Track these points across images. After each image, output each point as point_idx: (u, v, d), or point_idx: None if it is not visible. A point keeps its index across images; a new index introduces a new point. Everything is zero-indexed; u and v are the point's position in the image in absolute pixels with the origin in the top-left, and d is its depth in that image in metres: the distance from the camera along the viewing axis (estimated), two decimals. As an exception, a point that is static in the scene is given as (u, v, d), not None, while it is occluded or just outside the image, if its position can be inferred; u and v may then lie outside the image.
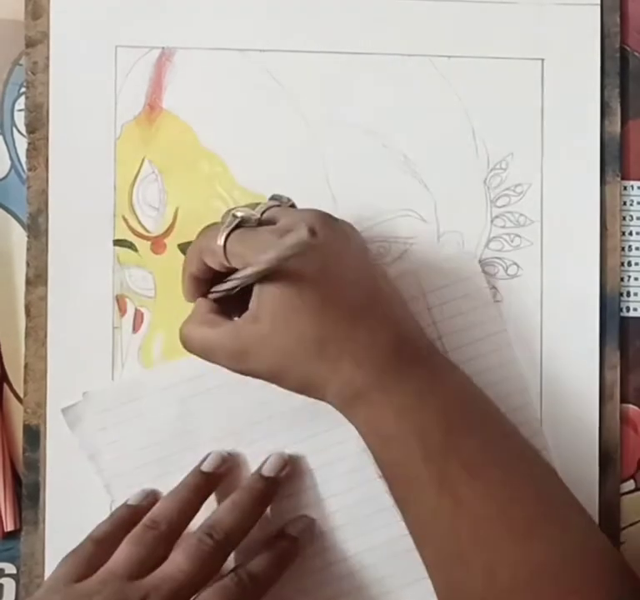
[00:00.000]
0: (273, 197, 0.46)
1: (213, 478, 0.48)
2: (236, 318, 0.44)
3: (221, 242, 0.42)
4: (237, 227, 0.42)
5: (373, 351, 0.42)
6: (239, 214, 0.42)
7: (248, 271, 0.41)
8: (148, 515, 0.45)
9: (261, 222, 0.43)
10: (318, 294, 0.41)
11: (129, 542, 0.44)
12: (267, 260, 0.39)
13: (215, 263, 0.43)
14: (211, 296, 0.45)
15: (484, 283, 0.50)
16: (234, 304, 0.44)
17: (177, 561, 0.43)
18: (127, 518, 0.47)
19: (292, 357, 0.42)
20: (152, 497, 0.48)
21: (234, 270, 0.43)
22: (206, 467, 0.48)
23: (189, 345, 0.45)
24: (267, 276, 0.41)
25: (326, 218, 0.43)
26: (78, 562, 0.44)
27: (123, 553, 0.44)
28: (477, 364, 0.49)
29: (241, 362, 0.43)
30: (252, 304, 0.43)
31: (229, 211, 0.44)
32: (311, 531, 0.48)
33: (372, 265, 0.45)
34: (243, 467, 0.49)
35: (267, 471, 0.48)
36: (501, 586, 0.39)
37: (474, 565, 0.40)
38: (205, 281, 0.45)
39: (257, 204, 0.44)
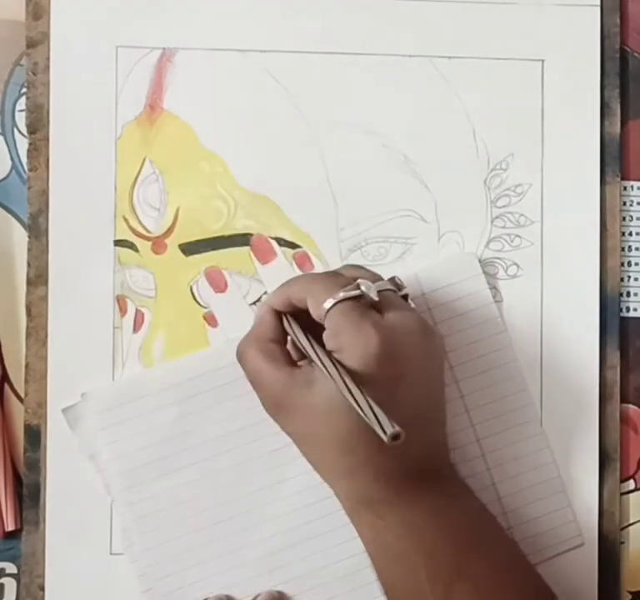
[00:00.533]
0: (393, 280, 0.46)
1: None
2: (295, 371, 0.43)
3: (330, 304, 0.42)
4: (353, 297, 0.42)
5: (396, 470, 0.41)
6: (363, 289, 0.42)
7: (324, 361, 0.41)
8: None
9: (374, 305, 0.43)
10: (379, 395, 0.40)
11: None
12: (338, 370, 0.40)
13: (314, 314, 0.43)
14: (289, 334, 0.44)
15: (484, 284, 0.50)
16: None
17: None
18: None
19: (320, 443, 0.42)
20: None
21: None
22: None
23: (243, 363, 0.44)
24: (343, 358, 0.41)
25: (427, 330, 0.43)
26: None
27: None
28: (477, 365, 0.50)
29: (276, 413, 0.43)
30: (317, 370, 0.42)
31: (355, 266, 0.46)
32: None
33: (441, 380, 0.45)
34: None
35: None
36: None
37: None
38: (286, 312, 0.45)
39: (377, 276, 0.45)
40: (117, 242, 0.50)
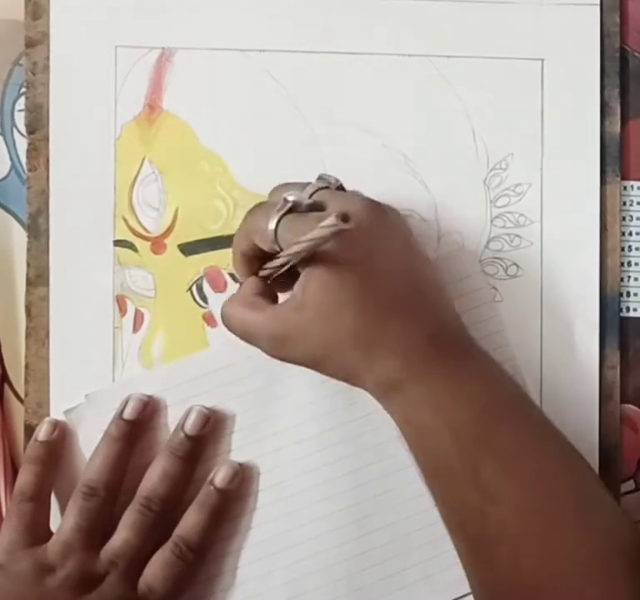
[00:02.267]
0: (320, 178, 0.45)
1: (136, 426, 0.48)
2: (279, 303, 0.44)
3: (272, 226, 0.42)
4: (289, 211, 0.42)
5: (409, 342, 0.42)
6: (291, 199, 0.42)
7: (291, 250, 0.41)
8: (84, 481, 0.47)
9: (311, 207, 0.43)
10: (361, 284, 0.41)
11: (75, 514, 0.46)
12: (305, 241, 0.39)
13: (265, 245, 0.43)
14: (261, 273, 0.45)
15: (484, 283, 0.50)
16: (283, 286, 0.45)
17: (126, 536, 0.46)
18: (46, 458, 0.48)
19: (333, 347, 0.42)
20: (60, 429, 0.49)
21: None
22: (127, 415, 0.48)
23: (230, 325, 0.45)
24: (311, 262, 0.41)
25: (374, 206, 0.43)
26: (22, 527, 0.46)
27: (71, 523, 0.46)
28: None
29: (281, 349, 0.43)
30: (296, 291, 0.43)
31: (280, 185, 0.45)
32: (238, 478, 0.48)
33: (416, 253, 0.45)
34: (163, 413, 0.49)
35: (188, 429, 0.48)
36: (526, 577, 0.40)
37: (501, 555, 0.40)
38: (256, 258, 0.45)
39: (306, 184, 0.44)
40: (117, 243, 0.50)
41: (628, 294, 0.52)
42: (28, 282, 0.50)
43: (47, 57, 0.50)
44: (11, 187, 0.51)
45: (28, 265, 0.50)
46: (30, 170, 0.50)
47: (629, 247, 0.52)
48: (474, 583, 0.42)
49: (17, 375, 0.50)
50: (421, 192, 0.51)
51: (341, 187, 0.45)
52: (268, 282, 0.45)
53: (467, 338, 0.44)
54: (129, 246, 0.50)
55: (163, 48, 0.50)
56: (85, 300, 0.50)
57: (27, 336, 0.50)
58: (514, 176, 0.51)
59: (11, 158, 0.51)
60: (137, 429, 0.48)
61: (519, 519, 0.40)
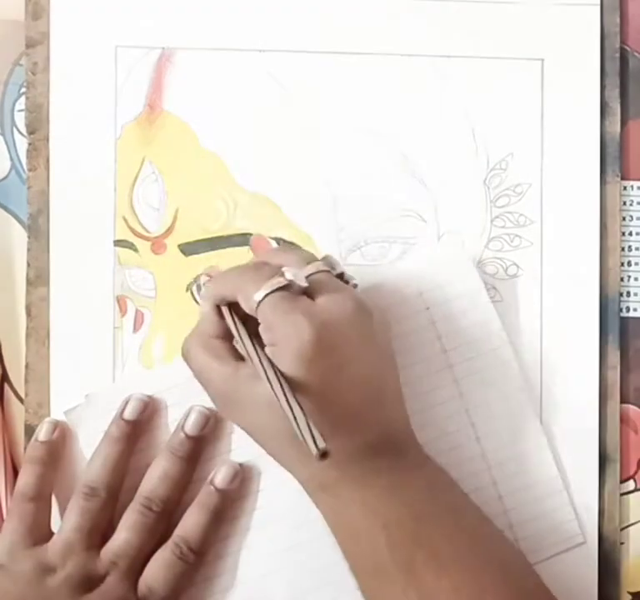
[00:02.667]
0: (325, 259, 0.45)
1: (136, 427, 0.48)
2: (239, 366, 0.43)
3: (258, 298, 0.41)
4: (281, 287, 0.42)
5: (349, 448, 0.42)
6: (288, 277, 0.42)
7: (262, 362, 0.40)
8: (84, 481, 0.47)
9: (305, 291, 0.42)
10: (322, 380, 0.41)
11: (75, 513, 0.46)
12: (262, 357, 0.40)
13: (245, 307, 0.42)
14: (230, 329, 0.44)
15: (482, 283, 0.50)
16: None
17: (127, 537, 0.46)
18: (46, 458, 0.48)
19: (273, 432, 0.42)
20: (60, 429, 0.49)
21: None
22: (128, 415, 0.48)
23: (188, 362, 0.45)
24: (283, 350, 0.41)
25: (358, 310, 0.42)
26: (22, 527, 0.46)
27: (72, 523, 0.46)
28: (475, 363, 0.49)
29: (226, 409, 0.45)
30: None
31: (278, 251, 0.46)
32: (239, 478, 0.48)
33: (388, 359, 0.45)
34: (163, 413, 0.49)
35: (189, 430, 0.48)
36: None
37: None
38: (230, 305, 0.44)
39: (310, 256, 0.44)
40: (117, 243, 0.50)
41: (628, 294, 0.52)
42: (28, 282, 0.50)
43: (48, 58, 0.50)
44: (11, 187, 0.51)
45: (28, 265, 0.50)
46: (30, 170, 0.50)
47: (629, 247, 0.52)
48: None
49: (17, 375, 0.50)
50: (420, 192, 0.51)
51: (340, 276, 0.44)
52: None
53: (409, 440, 0.44)
54: (129, 246, 0.50)
55: (163, 48, 0.50)
56: (85, 300, 0.50)
57: (28, 336, 0.50)
58: (514, 176, 0.51)
59: (11, 158, 0.51)
60: (137, 429, 0.48)
61: None
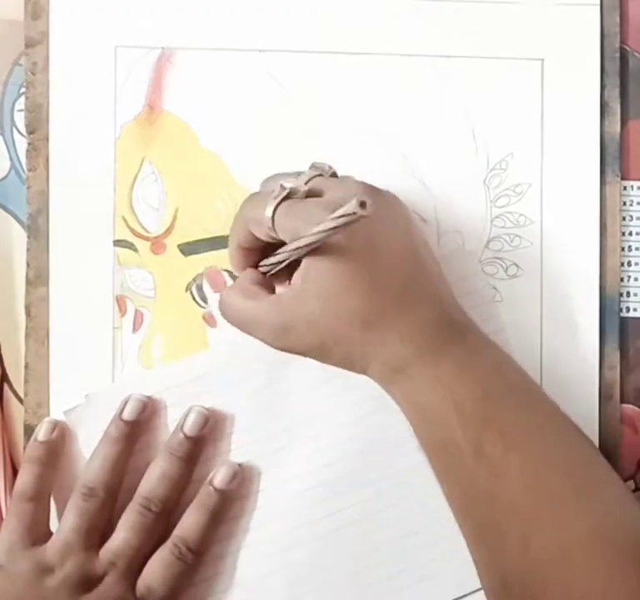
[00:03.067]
0: (314, 166, 0.45)
1: (135, 427, 0.48)
2: (280, 293, 0.44)
3: (269, 213, 0.41)
4: (285, 198, 0.42)
5: (417, 327, 0.42)
6: (287, 186, 0.42)
7: (299, 243, 0.40)
8: (83, 482, 0.47)
9: (308, 194, 0.42)
10: (365, 271, 0.42)
11: (74, 513, 0.46)
12: (319, 232, 0.39)
13: (262, 234, 0.43)
14: (260, 269, 0.45)
15: (483, 282, 0.50)
16: (280, 278, 0.45)
17: (125, 537, 0.46)
18: (45, 458, 0.48)
19: (337, 335, 0.42)
20: (60, 429, 0.48)
21: (281, 241, 0.42)
22: (127, 416, 0.48)
23: (228, 315, 0.45)
24: (315, 250, 0.41)
25: (372, 191, 0.43)
26: (21, 527, 0.46)
27: (70, 523, 0.46)
28: None
29: (282, 338, 0.43)
30: (296, 279, 0.43)
31: (271, 177, 0.45)
32: (238, 478, 0.48)
33: (416, 234, 0.45)
34: (163, 413, 0.49)
35: (188, 430, 0.48)
36: (534, 556, 0.39)
37: (510, 535, 0.40)
38: (253, 250, 0.45)
39: (300, 173, 0.44)
40: (117, 243, 0.50)
41: (628, 294, 0.52)
42: (28, 282, 0.50)
43: (47, 57, 0.50)
44: (11, 187, 0.51)
45: (28, 265, 0.50)
46: (30, 170, 0.50)
47: (629, 247, 0.52)
48: (483, 571, 0.42)
49: (17, 375, 0.50)
50: (421, 192, 0.51)
51: (334, 175, 0.45)
52: (266, 276, 0.45)
53: (468, 320, 0.45)
54: (129, 246, 0.50)
55: (163, 48, 0.50)
56: (85, 300, 0.50)
57: (27, 336, 0.50)
58: (514, 176, 0.51)
59: (11, 158, 0.51)
60: (136, 430, 0.48)
61: (526, 499, 0.40)
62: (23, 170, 0.50)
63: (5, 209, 0.51)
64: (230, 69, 0.51)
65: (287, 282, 0.44)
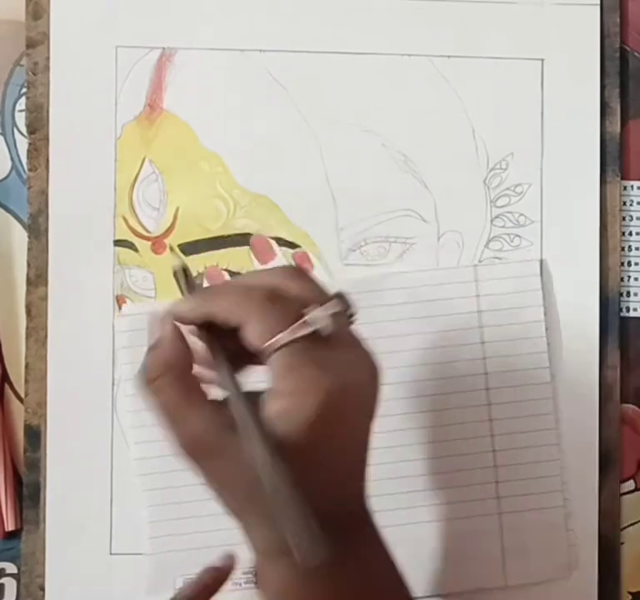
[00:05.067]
0: (341, 298, 0.37)
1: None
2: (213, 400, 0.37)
3: (282, 342, 0.35)
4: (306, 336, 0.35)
5: (326, 521, 0.36)
6: (312, 323, 0.35)
7: (248, 424, 0.35)
8: None
9: (327, 339, 0.36)
10: (319, 446, 0.36)
11: None
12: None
13: (253, 340, 0.36)
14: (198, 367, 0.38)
15: (540, 299, 0.50)
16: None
17: None
18: (210, 583, 0.44)
19: (244, 486, 0.36)
20: (230, 560, 0.45)
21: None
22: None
23: (153, 395, 0.37)
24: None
25: (370, 371, 0.38)
26: None
27: None
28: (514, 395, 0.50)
29: (192, 453, 0.37)
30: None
31: (291, 270, 0.39)
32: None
33: (370, 421, 0.39)
34: None
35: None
36: None
37: None
38: (210, 329, 0.38)
39: (322, 295, 0.37)
40: (117, 242, 0.50)
41: (628, 294, 0.51)
42: (28, 282, 0.50)
43: (48, 58, 0.50)
44: (11, 187, 0.51)
45: (28, 265, 0.50)
46: (30, 170, 0.50)
47: (629, 247, 0.52)
48: None
49: (17, 375, 0.50)
50: (420, 192, 0.51)
51: (351, 316, 0.38)
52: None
53: (368, 522, 0.41)
54: (129, 246, 0.50)
55: (163, 48, 0.50)
56: (85, 300, 0.50)
57: (27, 336, 0.50)
58: (514, 176, 0.51)
59: (11, 158, 0.51)
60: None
61: None
62: (24, 170, 0.50)
63: (6, 209, 0.51)
64: (230, 69, 0.51)
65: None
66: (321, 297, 0.37)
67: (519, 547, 0.47)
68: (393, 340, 0.49)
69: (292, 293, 0.37)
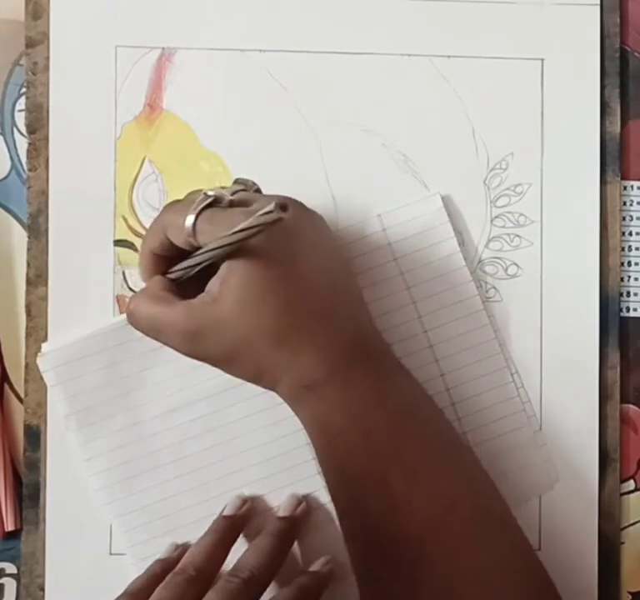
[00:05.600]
0: (238, 181, 0.45)
1: (237, 521, 0.48)
2: (192, 299, 0.42)
3: (191, 219, 0.40)
4: (209, 206, 0.41)
5: (333, 346, 0.41)
6: (211, 193, 0.41)
7: (217, 243, 0.39)
8: (178, 565, 0.45)
9: (232, 204, 0.42)
10: (284, 281, 0.40)
11: (161, 588, 0.44)
12: (237, 232, 0.38)
13: (180, 241, 0.41)
14: (171, 275, 0.43)
15: (451, 232, 0.50)
16: (190, 289, 0.43)
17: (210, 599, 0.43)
18: (159, 573, 0.46)
19: (250, 344, 0.41)
20: (181, 550, 0.48)
21: (197, 249, 0.42)
22: (227, 512, 0.48)
23: (135, 321, 0.43)
24: (234, 256, 0.40)
25: (297, 203, 0.43)
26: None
27: (155, 598, 0.43)
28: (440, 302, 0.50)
29: (191, 344, 0.42)
30: (212, 284, 0.41)
31: (195, 190, 0.44)
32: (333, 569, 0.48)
33: (338, 254, 0.45)
34: (265, 506, 0.49)
35: (282, 511, 0.48)
36: (429, 587, 0.40)
37: (404, 562, 0.40)
38: (165, 258, 0.44)
39: (224, 188, 0.43)
40: (117, 242, 0.50)
41: (628, 294, 0.52)
42: (28, 282, 0.50)
43: (48, 57, 0.50)
44: (11, 187, 0.51)
45: (28, 265, 0.50)
46: (30, 170, 0.50)
47: (629, 247, 0.52)
48: (368, 591, 0.41)
49: (17, 375, 0.50)
50: (420, 192, 0.51)
51: (258, 190, 0.45)
52: (176, 283, 0.43)
53: (386, 347, 0.44)
54: (129, 246, 0.50)
55: (163, 48, 0.50)
56: (85, 300, 0.50)
57: (27, 336, 0.50)
58: (514, 176, 0.51)
59: (11, 158, 0.51)
60: (236, 525, 0.48)
61: (423, 530, 0.40)
62: (24, 170, 0.50)
63: (5, 209, 0.51)
64: (230, 69, 0.51)
65: (196, 293, 0.43)
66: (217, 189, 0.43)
67: (495, 474, 0.47)
68: None
69: (190, 198, 0.43)
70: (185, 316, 0.41)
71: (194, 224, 0.40)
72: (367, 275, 0.49)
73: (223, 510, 0.48)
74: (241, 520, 0.48)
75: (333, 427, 0.41)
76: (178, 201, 0.44)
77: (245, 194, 0.43)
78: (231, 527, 0.48)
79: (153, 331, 0.42)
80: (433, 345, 0.50)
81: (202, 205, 0.41)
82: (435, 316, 0.50)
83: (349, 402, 0.41)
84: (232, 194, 0.42)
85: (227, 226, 0.39)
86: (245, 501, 0.49)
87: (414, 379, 0.44)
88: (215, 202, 0.41)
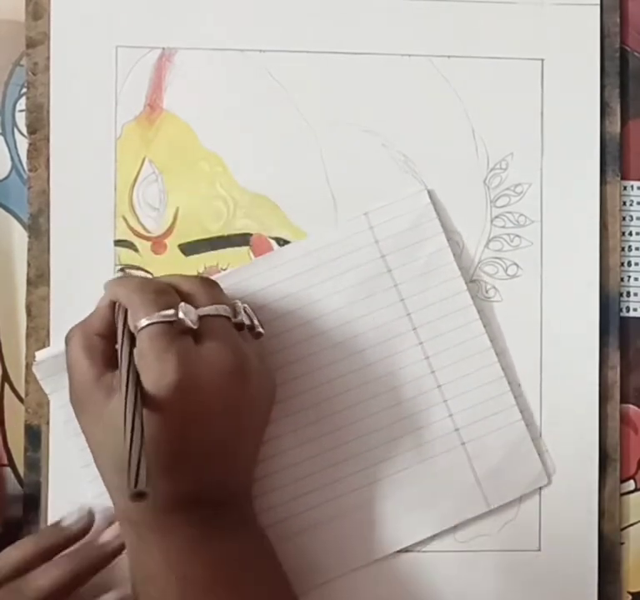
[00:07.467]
0: (233, 307, 0.44)
1: (69, 534, 0.46)
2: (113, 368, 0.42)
3: (141, 325, 0.40)
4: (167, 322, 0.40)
5: (171, 498, 0.41)
6: (180, 315, 0.41)
7: (127, 377, 0.39)
8: None
9: (193, 333, 0.41)
10: (171, 428, 0.40)
11: None
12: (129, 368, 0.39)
13: (130, 324, 0.41)
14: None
15: (439, 228, 0.50)
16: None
17: None
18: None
19: (104, 452, 0.41)
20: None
21: None
22: (65, 522, 0.46)
23: (66, 349, 0.43)
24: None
25: (234, 368, 0.41)
26: None
27: None
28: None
29: (74, 406, 0.43)
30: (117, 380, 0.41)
31: (201, 279, 0.44)
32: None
33: (255, 427, 0.44)
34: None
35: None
36: None
37: None
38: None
39: (220, 300, 0.43)
40: (117, 242, 0.50)
41: (628, 294, 0.52)
42: (29, 282, 0.50)
43: (48, 58, 0.50)
44: (12, 187, 0.51)
45: (29, 265, 0.50)
46: (31, 170, 0.50)
47: (629, 247, 0.52)
48: None
49: (17, 375, 0.50)
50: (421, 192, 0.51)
51: (245, 326, 0.44)
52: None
53: (239, 511, 0.43)
54: (129, 246, 0.50)
55: (163, 48, 0.51)
56: (85, 300, 0.50)
57: (28, 336, 0.50)
58: (514, 176, 0.51)
59: (11, 158, 0.51)
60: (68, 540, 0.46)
61: None
62: (24, 170, 0.50)
63: (6, 209, 0.51)
64: (230, 69, 0.51)
65: None
66: (209, 300, 0.42)
67: (491, 470, 0.47)
68: (310, 307, 0.49)
69: (184, 289, 0.43)
70: (87, 385, 0.41)
71: (140, 329, 0.40)
72: (354, 273, 0.49)
73: (61, 520, 0.47)
74: (74, 534, 0.46)
75: (149, 567, 0.41)
76: (161, 288, 0.42)
77: (216, 325, 0.42)
78: (62, 538, 0.46)
79: (68, 369, 0.43)
80: (423, 342, 0.50)
81: (158, 321, 0.40)
82: (424, 313, 0.50)
83: (168, 547, 0.40)
84: (204, 316, 0.41)
85: (151, 355, 0.39)
86: (88, 514, 0.47)
87: (259, 535, 0.43)
88: (174, 323, 0.41)
